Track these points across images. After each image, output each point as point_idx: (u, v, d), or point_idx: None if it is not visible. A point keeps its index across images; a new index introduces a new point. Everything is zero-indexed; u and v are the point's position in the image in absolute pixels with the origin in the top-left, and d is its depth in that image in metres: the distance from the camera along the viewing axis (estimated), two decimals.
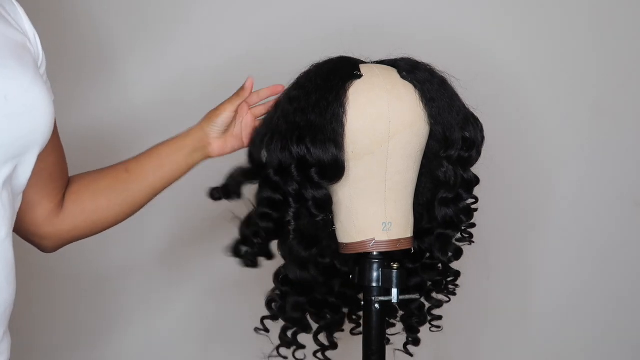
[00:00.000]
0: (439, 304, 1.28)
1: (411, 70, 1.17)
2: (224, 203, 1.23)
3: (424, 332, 1.33)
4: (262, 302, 1.28)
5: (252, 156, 1.17)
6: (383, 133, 1.13)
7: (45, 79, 1.07)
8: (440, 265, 1.25)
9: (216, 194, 1.21)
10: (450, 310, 1.31)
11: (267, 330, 1.28)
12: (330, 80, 1.14)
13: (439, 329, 1.30)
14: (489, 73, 1.75)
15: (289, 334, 1.27)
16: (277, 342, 1.29)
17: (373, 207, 1.17)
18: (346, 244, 1.20)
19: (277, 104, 1.17)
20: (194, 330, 1.78)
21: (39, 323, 1.73)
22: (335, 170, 1.13)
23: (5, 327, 0.98)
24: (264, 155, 1.15)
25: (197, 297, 1.77)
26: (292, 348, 1.28)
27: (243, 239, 1.21)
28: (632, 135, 1.83)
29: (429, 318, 1.30)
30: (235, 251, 1.22)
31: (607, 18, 1.81)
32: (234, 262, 1.25)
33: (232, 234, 1.24)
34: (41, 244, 1.15)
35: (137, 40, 1.71)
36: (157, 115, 1.71)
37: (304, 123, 1.12)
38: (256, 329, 1.28)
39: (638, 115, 1.83)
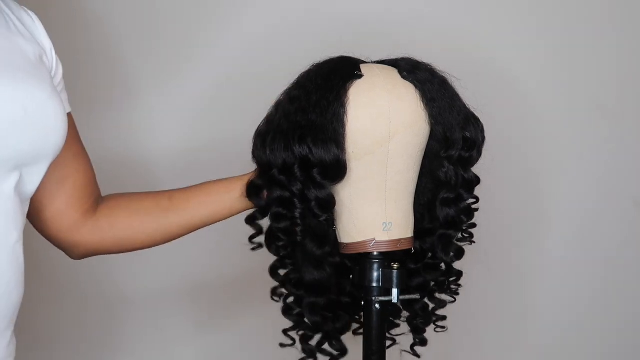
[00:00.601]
0: (442, 305, 1.28)
1: (412, 70, 1.16)
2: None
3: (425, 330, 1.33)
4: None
5: (256, 157, 1.17)
6: (384, 133, 1.13)
7: (62, 88, 1.08)
8: (442, 265, 1.25)
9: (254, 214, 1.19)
10: (450, 310, 1.31)
11: (293, 340, 1.26)
12: (331, 80, 1.14)
13: (444, 329, 1.30)
14: (490, 73, 1.76)
15: (312, 342, 1.25)
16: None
17: (373, 207, 1.17)
18: (346, 244, 1.19)
19: (278, 104, 1.17)
20: None
21: (43, 326, 1.74)
22: (337, 170, 1.13)
23: (12, 328, 0.99)
24: (268, 155, 1.14)
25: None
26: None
27: (276, 253, 1.20)
28: (632, 135, 1.83)
29: (433, 318, 1.29)
30: (274, 275, 1.22)
31: (608, 18, 1.81)
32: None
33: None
34: (68, 250, 1.16)
35: (140, 47, 1.72)
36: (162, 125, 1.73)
37: (305, 123, 1.12)
38: (281, 345, 1.26)
39: (638, 115, 1.83)
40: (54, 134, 0.98)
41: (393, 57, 1.20)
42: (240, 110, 1.62)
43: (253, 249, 1.22)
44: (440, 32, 1.74)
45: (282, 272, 1.22)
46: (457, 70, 1.21)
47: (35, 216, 1.11)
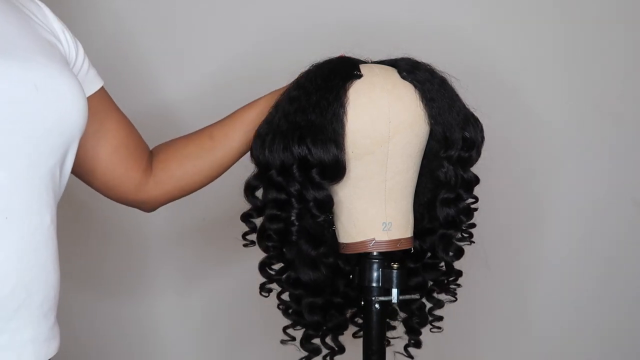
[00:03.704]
0: (439, 304, 1.28)
1: (411, 70, 1.16)
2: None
3: (423, 331, 1.33)
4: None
5: (254, 157, 1.17)
6: (383, 133, 1.13)
7: (88, 65, 1.12)
8: (442, 265, 1.26)
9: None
10: (450, 310, 1.31)
11: (293, 338, 1.27)
12: (331, 80, 1.14)
13: (440, 330, 1.30)
14: (489, 73, 1.75)
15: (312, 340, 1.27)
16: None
17: (373, 207, 1.17)
18: (346, 244, 1.20)
19: (278, 105, 1.17)
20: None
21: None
22: (336, 170, 1.13)
23: (55, 313, 1.01)
24: (266, 155, 1.14)
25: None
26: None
27: (265, 251, 1.21)
28: (632, 135, 1.83)
29: (430, 319, 1.30)
30: (262, 271, 1.23)
31: (608, 18, 1.81)
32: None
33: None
34: (141, 207, 1.24)
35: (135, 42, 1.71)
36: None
37: (305, 123, 1.12)
38: (282, 341, 1.27)
39: (638, 115, 1.83)
40: (72, 110, 0.99)
41: (393, 57, 1.21)
42: None
43: (245, 246, 1.23)
44: (440, 32, 1.74)
45: (270, 269, 1.23)
46: (457, 70, 1.21)
47: (103, 185, 1.18)
